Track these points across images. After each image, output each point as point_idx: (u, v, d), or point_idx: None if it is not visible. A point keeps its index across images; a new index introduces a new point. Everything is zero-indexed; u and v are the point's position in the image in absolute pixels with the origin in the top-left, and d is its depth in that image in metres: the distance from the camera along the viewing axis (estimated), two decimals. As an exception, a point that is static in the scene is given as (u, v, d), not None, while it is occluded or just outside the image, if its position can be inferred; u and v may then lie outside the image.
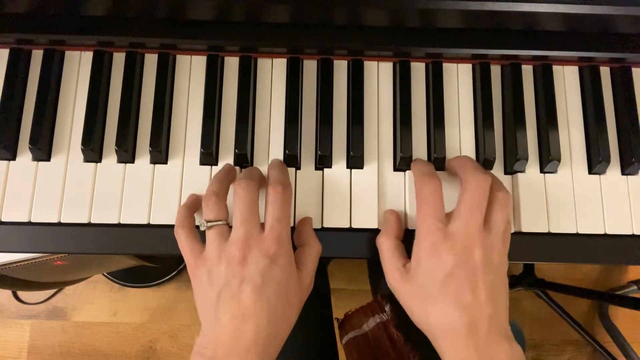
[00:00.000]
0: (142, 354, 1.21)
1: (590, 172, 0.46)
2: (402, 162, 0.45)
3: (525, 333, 1.20)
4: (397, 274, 0.41)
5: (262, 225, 0.40)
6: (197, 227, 0.41)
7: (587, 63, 0.48)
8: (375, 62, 0.48)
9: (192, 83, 0.47)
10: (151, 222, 0.44)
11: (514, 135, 0.46)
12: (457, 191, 0.42)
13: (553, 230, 0.45)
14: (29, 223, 0.43)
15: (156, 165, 0.45)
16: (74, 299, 1.22)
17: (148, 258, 0.83)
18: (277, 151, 0.46)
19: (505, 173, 0.46)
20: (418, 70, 0.48)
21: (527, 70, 0.48)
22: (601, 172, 0.46)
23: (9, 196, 0.44)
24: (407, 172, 0.46)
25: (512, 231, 0.44)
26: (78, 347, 1.21)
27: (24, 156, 0.45)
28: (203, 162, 0.45)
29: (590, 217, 0.45)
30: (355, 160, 0.45)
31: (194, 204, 0.43)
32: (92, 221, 0.44)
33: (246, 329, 0.37)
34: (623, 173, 0.47)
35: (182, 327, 1.22)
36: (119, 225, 0.44)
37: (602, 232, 0.45)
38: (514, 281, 1.14)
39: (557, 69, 0.48)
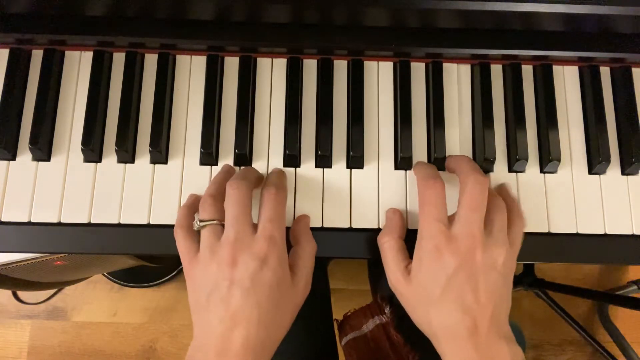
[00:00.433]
0: (142, 354, 1.21)
1: (590, 172, 0.46)
2: (403, 162, 0.45)
3: (525, 333, 1.20)
4: (399, 275, 0.40)
5: (256, 226, 0.39)
6: None
7: (587, 63, 0.48)
8: (375, 62, 0.48)
9: (192, 83, 0.47)
10: (151, 222, 0.44)
11: (513, 136, 0.46)
12: (456, 189, 0.42)
13: (553, 230, 0.45)
14: (29, 223, 0.43)
15: (156, 165, 0.45)
16: (74, 299, 1.22)
17: (148, 258, 0.83)
18: (277, 151, 0.46)
19: (510, 171, 0.46)
20: (418, 70, 0.48)
21: (527, 70, 0.48)
22: (601, 172, 0.46)
23: (9, 196, 0.44)
24: (407, 172, 0.46)
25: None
26: (78, 347, 1.21)
27: (24, 156, 0.45)
28: (203, 162, 0.45)
29: (590, 217, 0.45)
30: (355, 160, 0.45)
31: (194, 205, 0.43)
32: (92, 221, 0.44)
33: (236, 334, 0.36)
34: (623, 173, 0.47)
35: (182, 327, 1.22)
36: (119, 225, 0.44)
37: (602, 232, 0.45)
38: (514, 281, 1.13)
39: (557, 69, 0.48)
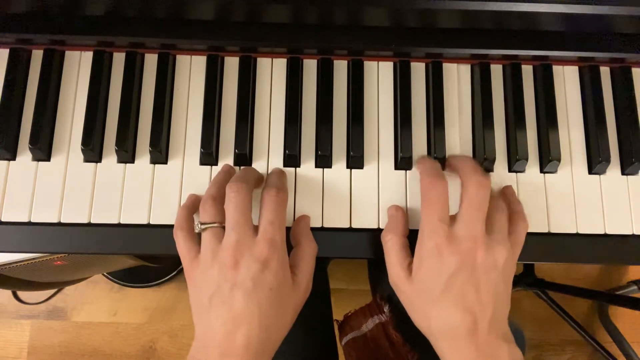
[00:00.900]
0: (142, 354, 1.21)
1: (590, 172, 0.46)
2: (403, 162, 0.45)
3: (525, 333, 1.19)
4: (401, 272, 0.40)
5: (256, 228, 0.39)
6: None
7: (587, 63, 0.48)
8: (375, 62, 0.48)
9: (192, 83, 0.47)
10: (151, 222, 0.44)
11: (513, 136, 0.46)
12: (457, 187, 0.42)
13: (553, 230, 0.45)
14: (29, 223, 0.43)
15: (156, 165, 0.45)
16: (74, 299, 1.22)
17: (148, 258, 0.83)
18: (277, 151, 0.46)
19: (510, 171, 0.46)
20: (418, 70, 0.48)
21: (527, 70, 0.48)
22: (601, 172, 0.46)
23: (9, 196, 0.44)
24: (408, 172, 0.46)
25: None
26: (78, 347, 1.21)
27: (24, 156, 0.45)
28: (203, 162, 0.45)
29: (590, 217, 0.45)
30: (355, 160, 0.45)
31: (194, 205, 0.43)
32: (92, 221, 0.44)
33: (237, 335, 0.36)
34: (623, 173, 0.47)
35: (182, 327, 1.22)
36: (119, 225, 0.44)
37: (602, 232, 0.45)
38: (514, 281, 1.14)
39: (557, 69, 0.48)
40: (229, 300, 0.37)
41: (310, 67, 0.48)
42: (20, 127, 0.45)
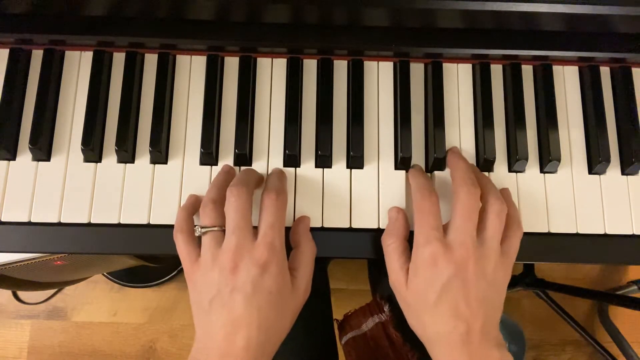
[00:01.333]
0: (142, 354, 1.21)
1: (590, 172, 0.46)
2: (403, 162, 0.45)
3: (525, 333, 1.19)
4: (401, 277, 0.41)
5: (256, 231, 0.40)
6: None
7: (587, 63, 0.48)
8: (375, 62, 0.48)
9: (192, 83, 0.47)
10: (151, 222, 0.44)
11: (513, 136, 0.46)
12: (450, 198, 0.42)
13: (553, 230, 0.45)
14: (29, 223, 0.43)
15: (156, 165, 0.45)
16: (74, 299, 1.22)
17: (148, 258, 0.83)
18: (277, 151, 0.46)
19: (509, 171, 0.46)
20: (418, 70, 0.48)
21: (527, 70, 0.48)
22: (601, 172, 0.46)
23: (9, 196, 0.44)
24: (408, 172, 0.46)
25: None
26: (78, 347, 1.21)
27: (24, 156, 0.45)
28: (203, 162, 0.45)
29: (590, 217, 0.45)
30: (355, 160, 0.45)
31: (193, 206, 0.43)
32: (92, 221, 0.44)
33: (237, 338, 0.37)
34: (623, 173, 0.47)
35: (182, 327, 1.22)
36: (119, 225, 0.44)
37: (602, 232, 0.45)
38: (514, 281, 1.14)
39: (557, 69, 0.48)
40: (229, 304, 0.37)
41: (310, 67, 0.48)
42: (20, 127, 0.45)
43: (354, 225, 0.44)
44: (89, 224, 0.44)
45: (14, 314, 1.22)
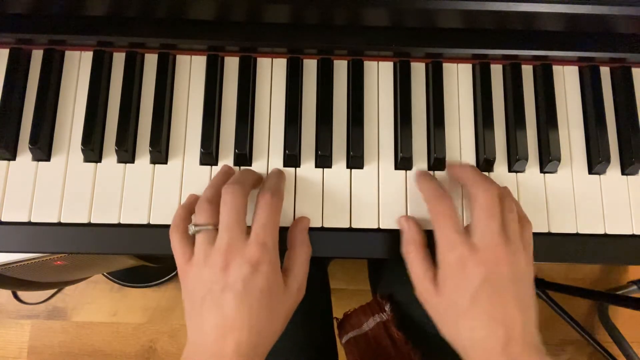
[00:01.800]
0: (142, 354, 1.21)
1: (590, 172, 0.46)
2: (402, 162, 0.45)
3: (525, 333, 1.19)
4: (428, 285, 0.40)
5: (249, 230, 0.39)
6: None
7: (587, 63, 0.48)
8: (375, 62, 0.48)
9: (192, 83, 0.47)
10: (151, 222, 0.44)
11: (513, 136, 0.46)
12: (458, 196, 0.42)
13: (553, 230, 0.45)
14: (29, 223, 0.43)
15: (156, 165, 0.45)
16: (74, 299, 1.22)
17: (148, 258, 0.83)
18: (277, 151, 0.46)
19: (510, 171, 0.46)
20: (418, 70, 0.48)
21: (527, 70, 0.48)
22: (601, 172, 0.46)
23: (9, 196, 0.44)
24: (408, 172, 0.46)
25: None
26: (78, 347, 1.21)
27: (24, 156, 0.45)
28: (203, 162, 0.45)
29: (590, 217, 0.45)
30: (355, 161, 0.45)
31: (192, 205, 0.43)
32: (92, 221, 0.44)
33: (228, 338, 0.36)
34: (623, 173, 0.47)
35: (182, 327, 1.22)
36: (119, 225, 0.44)
37: (602, 232, 0.45)
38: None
39: (557, 69, 0.48)
40: (220, 302, 0.37)
41: (310, 67, 0.48)
42: (20, 127, 0.45)
43: (354, 225, 0.44)
44: (89, 224, 0.44)
45: (14, 314, 1.22)
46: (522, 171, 0.46)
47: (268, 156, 0.46)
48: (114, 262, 0.78)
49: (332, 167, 0.46)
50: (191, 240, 0.40)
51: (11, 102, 0.45)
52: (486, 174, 0.46)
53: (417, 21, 0.45)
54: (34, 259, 0.53)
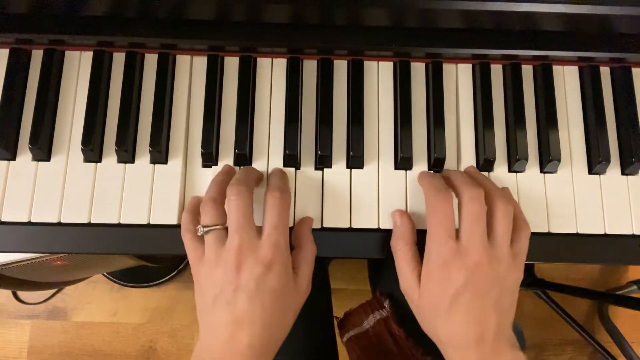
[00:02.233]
0: (142, 354, 1.21)
1: (590, 172, 0.46)
2: (403, 162, 0.45)
3: (525, 333, 1.20)
4: (412, 282, 0.41)
5: (259, 229, 0.40)
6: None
7: (587, 63, 0.48)
8: (375, 62, 0.48)
9: (192, 83, 0.47)
10: (151, 222, 0.44)
11: (513, 136, 0.46)
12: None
13: (553, 230, 0.45)
14: (29, 223, 0.43)
15: (156, 165, 0.45)
16: (74, 299, 1.22)
17: (148, 258, 0.83)
18: (277, 151, 0.46)
19: (509, 171, 0.46)
20: (418, 70, 0.48)
21: (527, 70, 0.48)
22: (601, 172, 0.46)
23: (9, 196, 0.44)
24: (408, 172, 0.46)
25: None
26: (78, 347, 1.21)
27: (24, 156, 0.45)
28: (203, 162, 0.45)
29: (590, 217, 0.45)
30: (355, 160, 0.45)
31: (196, 207, 0.43)
32: (92, 221, 0.44)
33: (241, 336, 0.37)
34: (623, 173, 0.47)
35: (182, 327, 1.22)
36: (119, 225, 0.44)
37: (602, 232, 0.45)
38: (514, 281, 1.14)
39: (557, 69, 0.48)
40: (233, 302, 0.38)
41: (310, 67, 0.48)
42: (20, 127, 0.45)
43: (354, 225, 0.44)
44: (89, 224, 0.44)
45: (14, 314, 1.22)
46: (522, 171, 0.46)
47: (268, 156, 0.46)
48: (114, 262, 0.78)
49: (332, 167, 0.46)
50: (202, 239, 0.41)
51: (11, 102, 0.45)
52: (486, 174, 0.46)
53: (417, 21, 0.45)
54: (34, 259, 0.53)
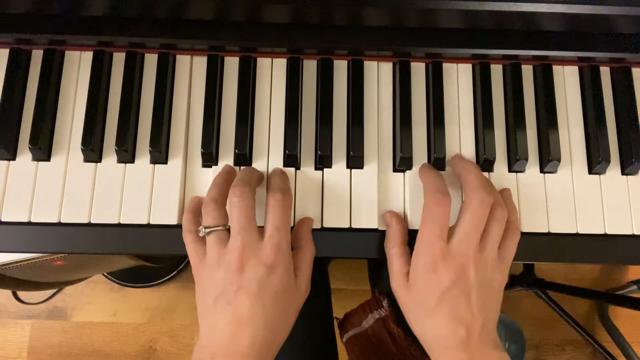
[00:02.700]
0: (142, 354, 1.21)
1: (590, 172, 0.46)
2: (402, 162, 0.45)
3: (525, 333, 1.19)
4: (401, 281, 0.42)
5: (261, 230, 0.40)
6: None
7: (587, 63, 0.48)
8: (375, 62, 0.48)
9: (192, 83, 0.47)
10: (151, 222, 0.44)
11: (513, 136, 0.46)
12: (457, 191, 0.42)
13: (553, 230, 0.45)
14: (29, 223, 0.43)
15: (156, 165, 0.45)
16: (74, 299, 1.22)
17: (148, 258, 0.83)
18: (277, 151, 0.46)
19: (509, 171, 0.46)
20: (418, 70, 0.48)
21: (527, 70, 0.48)
22: (601, 172, 0.46)
23: (9, 196, 0.44)
24: (407, 172, 0.46)
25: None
26: (78, 347, 1.21)
27: (24, 156, 0.45)
28: (203, 162, 0.45)
29: (590, 217, 0.45)
30: (355, 160, 0.45)
31: (197, 208, 0.43)
32: (92, 221, 0.44)
33: (242, 336, 0.37)
34: (623, 173, 0.47)
35: (182, 327, 1.22)
36: (119, 225, 0.44)
37: (602, 232, 0.45)
38: (514, 281, 1.14)
39: (557, 69, 0.48)
40: (234, 302, 0.38)
41: (310, 67, 0.48)
42: (20, 127, 0.45)
43: (354, 225, 0.44)
44: (89, 224, 0.44)
45: (14, 314, 1.22)
46: (522, 171, 0.46)
47: (268, 156, 0.46)
48: (114, 262, 0.78)
49: (332, 167, 0.46)
50: (203, 240, 0.41)
51: (11, 102, 0.45)
52: (486, 174, 0.46)
53: (417, 21, 0.45)
54: (33, 259, 0.53)
